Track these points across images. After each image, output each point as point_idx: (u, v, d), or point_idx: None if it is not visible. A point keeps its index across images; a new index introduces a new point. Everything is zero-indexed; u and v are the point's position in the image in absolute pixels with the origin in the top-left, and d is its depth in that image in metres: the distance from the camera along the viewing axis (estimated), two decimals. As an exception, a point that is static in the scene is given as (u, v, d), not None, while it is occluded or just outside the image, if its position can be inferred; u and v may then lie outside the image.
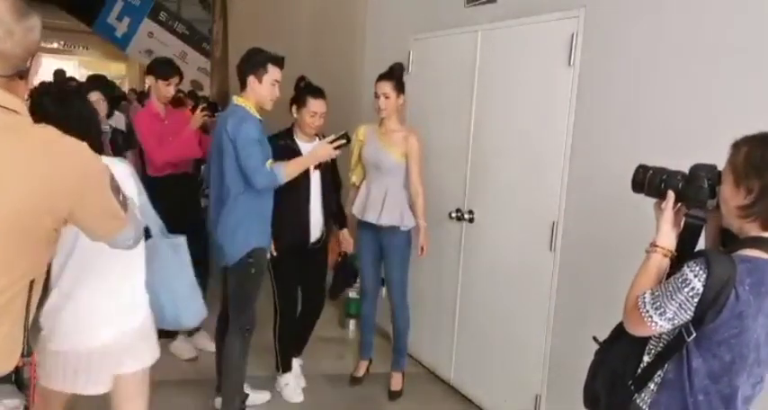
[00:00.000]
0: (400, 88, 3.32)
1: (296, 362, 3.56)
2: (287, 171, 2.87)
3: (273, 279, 3.28)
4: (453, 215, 3.55)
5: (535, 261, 3.04)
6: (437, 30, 3.74)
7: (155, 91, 3.72)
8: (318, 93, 3.21)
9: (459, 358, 3.65)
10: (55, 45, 17.08)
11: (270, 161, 2.82)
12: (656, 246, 1.59)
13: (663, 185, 1.62)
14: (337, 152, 2.99)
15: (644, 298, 1.49)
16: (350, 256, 3.59)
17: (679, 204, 1.59)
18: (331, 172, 3.35)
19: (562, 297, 2.93)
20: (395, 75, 3.34)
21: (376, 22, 4.47)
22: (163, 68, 3.72)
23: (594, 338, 1.75)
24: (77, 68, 15.23)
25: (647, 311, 1.47)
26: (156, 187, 3.77)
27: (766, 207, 1.42)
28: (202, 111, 3.74)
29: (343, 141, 2.97)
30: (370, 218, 3.37)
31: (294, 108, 3.23)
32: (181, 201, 3.65)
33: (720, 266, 1.38)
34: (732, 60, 2.19)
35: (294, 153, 3.14)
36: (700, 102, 2.29)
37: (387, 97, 3.29)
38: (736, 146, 1.47)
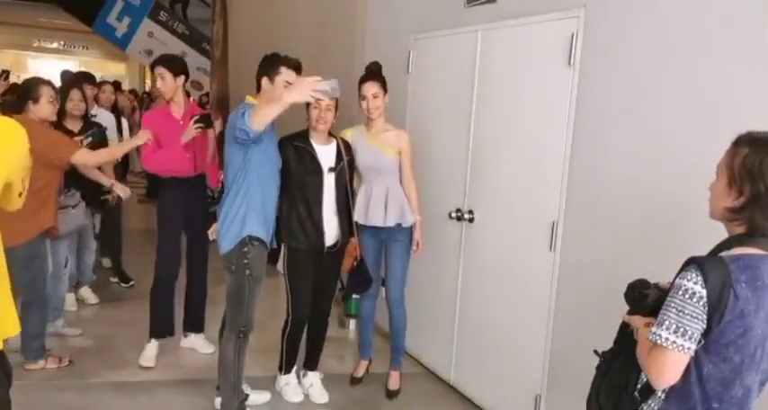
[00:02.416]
0: (385, 87, 3.34)
1: (316, 376, 3.54)
2: (255, 116, 2.60)
3: (288, 282, 3.26)
4: (453, 215, 3.55)
5: (535, 261, 3.04)
6: (437, 30, 3.74)
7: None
8: None
9: (459, 358, 3.65)
10: (55, 45, 17.11)
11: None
12: (636, 327, 1.60)
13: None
14: (309, 97, 2.56)
15: (658, 335, 1.42)
16: (365, 262, 3.49)
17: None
18: (349, 172, 3.29)
19: (562, 297, 2.93)
20: (378, 74, 3.35)
21: (376, 22, 4.47)
22: (152, 63, 3.61)
23: (595, 351, 1.75)
24: (77, 68, 15.22)
25: (674, 343, 1.40)
26: (163, 188, 3.68)
27: (754, 214, 1.42)
28: (195, 123, 3.47)
29: (326, 88, 2.53)
30: (376, 221, 3.36)
31: (305, 107, 3.20)
32: (184, 202, 3.63)
33: (713, 269, 1.38)
34: (731, 60, 2.19)
35: (309, 154, 3.14)
36: (699, 101, 2.29)
37: (376, 96, 3.29)
38: (738, 144, 1.47)
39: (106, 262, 5.40)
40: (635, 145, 2.54)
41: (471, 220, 3.48)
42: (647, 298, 1.57)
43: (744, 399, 1.46)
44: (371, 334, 3.72)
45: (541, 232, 2.99)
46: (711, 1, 2.26)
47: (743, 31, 2.15)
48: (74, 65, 15.36)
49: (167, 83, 3.54)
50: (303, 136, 3.21)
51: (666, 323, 1.41)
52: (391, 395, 3.58)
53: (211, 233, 3.19)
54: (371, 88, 3.29)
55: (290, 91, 2.59)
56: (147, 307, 3.79)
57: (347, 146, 3.31)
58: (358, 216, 3.40)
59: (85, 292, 4.79)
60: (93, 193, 4.50)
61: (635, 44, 2.53)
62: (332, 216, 3.21)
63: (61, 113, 4.25)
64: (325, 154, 3.20)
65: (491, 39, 3.31)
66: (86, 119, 4.42)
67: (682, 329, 1.39)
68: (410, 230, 3.43)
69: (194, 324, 3.98)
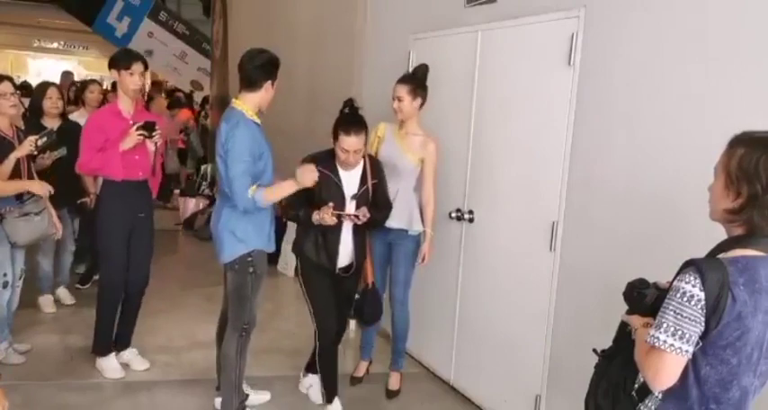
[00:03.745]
0: (416, 91, 3.29)
1: (316, 378, 3.39)
2: (267, 197, 2.80)
3: (308, 299, 3.13)
4: (453, 215, 3.55)
5: (535, 261, 3.04)
6: (437, 30, 3.74)
7: (120, 85, 3.43)
8: (351, 128, 2.92)
9: (459, 358, 3.65)
10: (55, 45, 17.10)
11: (254, 187, 2.75)
12: (634, 327, 1.60)
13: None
14: (315, 176, 2.86)
15: (656, 338, 1.41)
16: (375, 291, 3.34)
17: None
18: (375, 194, 3.09)
19: (562, 297, 2.93)
20: (414, 77, 3.33)
21: (376, 22, 4.47)
22: (122, 57, 3.40)
23: (594, 350, 1.75)
24: (77, 68, 15.22)
25: (672, 345, 1.39)
26: (108, 192, 3.43)
27: (753, 215, 1.41)
28: (138, 129, 3.31)
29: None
30: None
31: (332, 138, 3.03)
32: (131, 207, 3.46)
33: (711, 271, 1.38)
34: (731, 60, 2.18)
35: (334, 183, 3.00)
36: (699, 101, 2.29)
37: (400, 100, 3.28)
38: (733, 145, 1.46)
39: (80, 268, 5.18)
40: (635, 145, 2.54)
41: (471, 220, 3.48)
42: (645, 298, 1.57)
43: (741, 401, 1.46)
44: (374, 335, 3.72)
45: (541, 232, 2.99)
46: (711, 1, 2.26)
47: (743, 30, 2.15)
48: (74, 65, 15.35)
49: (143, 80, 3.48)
50: (329, 159, 3.02)
51: (664, 325, 1.41)
52: (391, 395, 3.58)
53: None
54: (397, 90, 3.29)
55: (298, 179, 2.84)
56: (147, 305, 3.77)
57: (374, 167, 3.13)
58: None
59: (62, 293, 4.71)
60: (71, 197, 4.35)
61: (635, 44, 2.53)
62: (349, 242, 3.10)
63: (40, 111, 4.23)
64: (350, 179, 3.05)
65: (491, 39, 3.31)
66: (65, 117, 4.39)
67: (680, 332, 1.39)
68: (417, 238, 3.41)
69: (128, 337, 3.73)
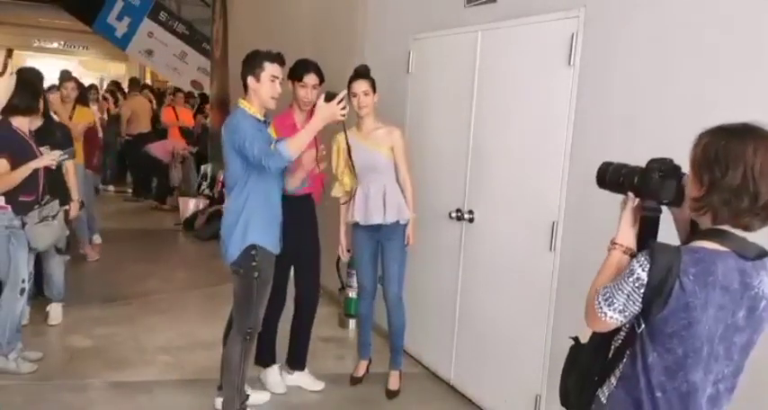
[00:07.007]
0: (374, 86, 3.36)
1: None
2: (291, 145, 2.72)
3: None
4: (453, 215, 3.55)
5: (535, 261, 3.04)
6: (437, 30, 3.74)
7: (293, 96, 3.33)
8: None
9: (459, 358, 3.65)
10: (55, 45, 17.12)
11: (272, 144, 2.76)
12: (616, 244, 1.62)
13: (622, 180, 1.70)
14: (345, 111, 2.76)
15: (597, 297, 1.51)
16: None
17: (637, 200, 1.62)
18: None
19: (562, 297, 2.93)
20: (368, 74, 3.38)
21: (376, 22, 4.47)
22: (295, 68, 3.30)
23: (571, 337, 1.77)
24: (77, 68, 15.21)
25: (599, 304, 1.49)
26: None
27: (715, 201, 1.40)
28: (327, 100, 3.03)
29: (344, 94, 2.79)
30: (376, 220, 3.36)
31: None
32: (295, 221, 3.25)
33: (663, 256, 1.40)
34: (731, 60, 2.19)
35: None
36: (699, 101, 2.29)
37: (366, 94, 3.32)
38: (699, 137, 1.47)
39: None
40: (635, 145, 2.54)
41: (471, 220, 3.48)
42: (620, 180, 1.67)
43: (688, 396, 1.45)
44: (371, 334, 3.72)
45: (541, 232, 2.99)
46: (711, 0, 2.27)
47: (743, 30, 2.15)
48: (74, 65, 15.34)
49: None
50: None
51: (607, 288, 1.49)
52: (391, 395, 3.57)
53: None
54: (362, 85, 3.31)
55: (322, 116, 2.75)
56: (147, 305, 3.77)
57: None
58: (358, 216, 3.39)
59: (55, 310, 4.36)
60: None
61: (635, 44, 2.53)
62: None
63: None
64: None
65: (491, 39, 3.31)
66: (48, 117, 4.25)
67: (610, 300, 1.47)
68: (405, 228, 3.43)
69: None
